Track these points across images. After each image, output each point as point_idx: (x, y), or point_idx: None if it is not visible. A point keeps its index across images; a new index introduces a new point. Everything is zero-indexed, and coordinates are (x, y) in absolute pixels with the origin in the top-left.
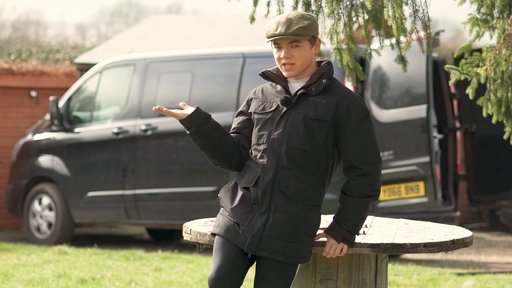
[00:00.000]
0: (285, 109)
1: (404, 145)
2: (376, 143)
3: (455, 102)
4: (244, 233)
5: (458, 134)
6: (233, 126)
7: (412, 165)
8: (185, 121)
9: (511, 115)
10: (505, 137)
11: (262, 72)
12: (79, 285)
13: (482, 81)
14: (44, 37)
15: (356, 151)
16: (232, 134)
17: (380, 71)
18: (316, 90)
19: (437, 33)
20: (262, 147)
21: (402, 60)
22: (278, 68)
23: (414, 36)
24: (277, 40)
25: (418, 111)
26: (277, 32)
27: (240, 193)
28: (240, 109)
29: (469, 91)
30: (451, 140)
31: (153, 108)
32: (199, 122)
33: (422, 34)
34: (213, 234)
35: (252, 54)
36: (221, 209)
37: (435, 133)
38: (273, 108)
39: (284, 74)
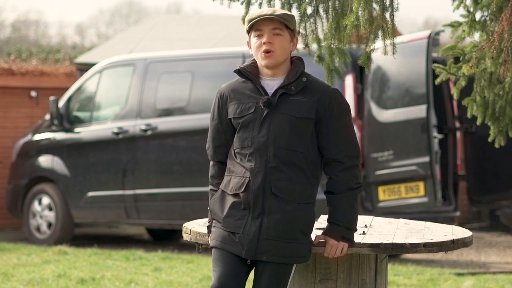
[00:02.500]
0: (267, 110)
1: (404, 145)
2: (356, 136)
3: (455, 102)
4: (241, 240)
5: (458, 134)
6: (217, 144)
7: (412, 165)
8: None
9: (497, 117)
10: (490, 139)
11: (238, 69)
12: (79, 285)
13: (464, 79)
14: (44, 37)
15: (339, 145)
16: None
17: (380, 71)
18: (295, 89)
19: (437, 33)
20: (247, 151)
21: (368, 59)
22: (250, 64)
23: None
24: (260, 26)
25: (418, 111)
26: (263, 13)
27: (229, 201)
28: (214, 120)
29: (454, 91)
30: (451, 140)
31: None
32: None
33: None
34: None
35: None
36: (214, 221)
37: (435, 133)
38: (252, 110)
39: (262, 62)
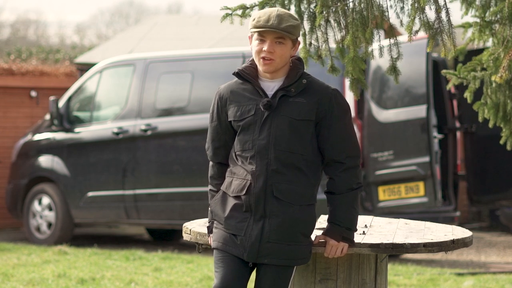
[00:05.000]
0: (267, 113)
1: (404, 145)
2: (356, 136)
3: (455, 102)
4: (243, 243)
5: (458, 134)
6: (216, 145)
7: (412, 165)
8: None
9: (509, 119)
10: (501, 141)
11: (237, 72)
12: (79, 285)
13: (476, 82)
14: (44, 37)
15: (340, 146)
16: (219, 148)
17: (380, 71)
18: (295, 90)
19: None
20: (248, 154)
21: (394, 70)
22: (249, 65)
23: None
24: (264, 33)
25: (418, 111)
26: (269, 24)
27: (231, 203)
28: (213, 121)
29: (467, 94)
30: (451, 140)
31: None
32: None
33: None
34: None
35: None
36: (215, 222)
37: (435, 133)
38: (252, 113)
39: (261, 68)
